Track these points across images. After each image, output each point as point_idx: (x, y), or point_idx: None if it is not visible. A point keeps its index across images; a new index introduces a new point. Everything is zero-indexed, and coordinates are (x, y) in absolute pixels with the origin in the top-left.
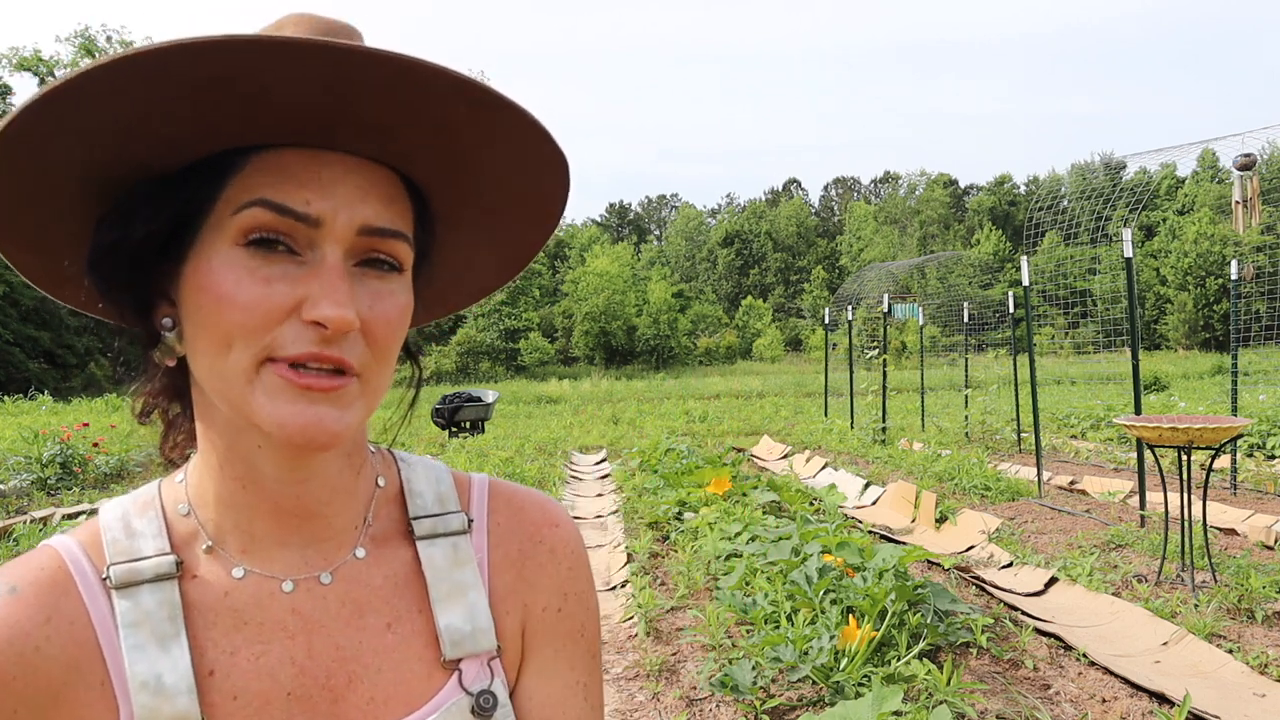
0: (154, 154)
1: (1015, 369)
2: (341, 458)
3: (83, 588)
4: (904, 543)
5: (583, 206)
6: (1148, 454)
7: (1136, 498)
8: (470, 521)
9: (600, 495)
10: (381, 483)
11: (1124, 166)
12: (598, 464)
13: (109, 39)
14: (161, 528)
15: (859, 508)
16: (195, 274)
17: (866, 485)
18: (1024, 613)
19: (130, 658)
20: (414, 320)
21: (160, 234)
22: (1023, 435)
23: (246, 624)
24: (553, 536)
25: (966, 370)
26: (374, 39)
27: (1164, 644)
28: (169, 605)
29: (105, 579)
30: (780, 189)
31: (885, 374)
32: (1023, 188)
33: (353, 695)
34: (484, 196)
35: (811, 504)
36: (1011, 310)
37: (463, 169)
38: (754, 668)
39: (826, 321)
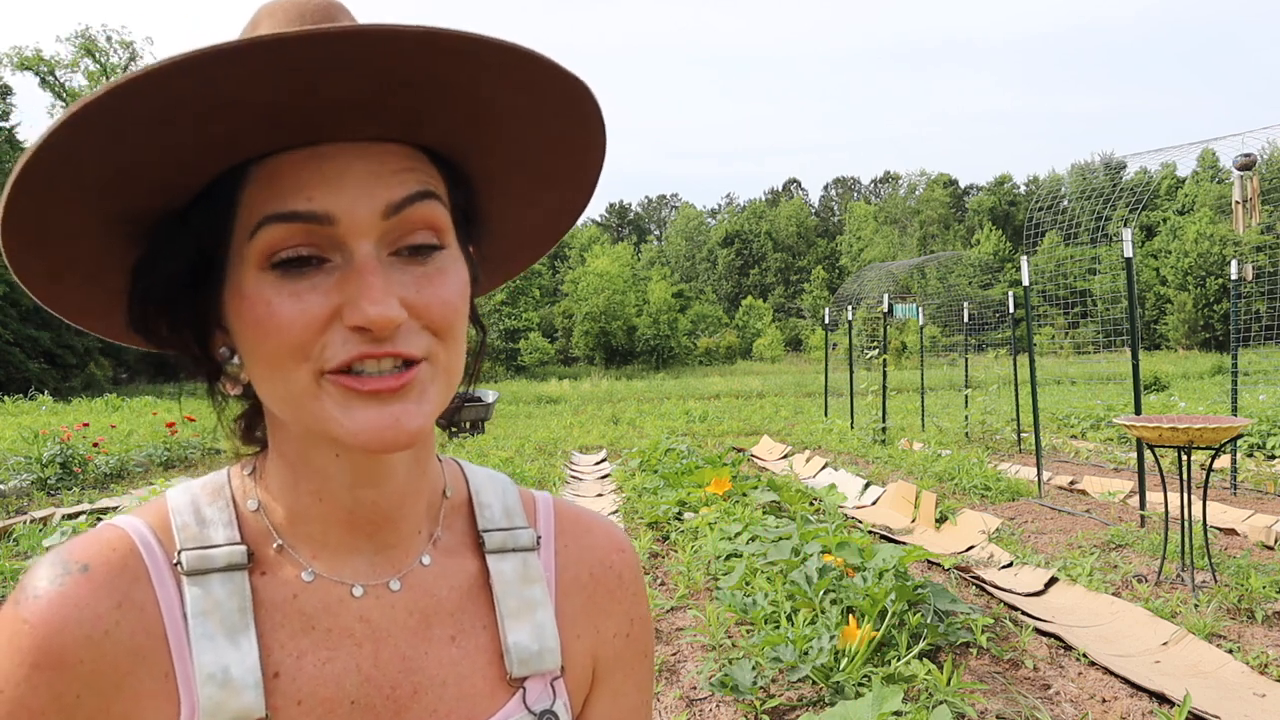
0: (149, 196)
1: (1015, 369)
2: (410, 458)
3: (153, 573)
4: (904, 543)
5: None
6: (1148, 454)
7: (1136, 498)
8: (538, 538)
9: (600, 495)
10: (449, 492)
11: (1124, 166)
12: (598, 464)
13: (109, 39)
14: (232, 518)
15: (859, 508)
16: (232, 302)
17: (866, 485)
18: (1024, 613)
19: (198, 647)
20: (483, 286)
21: (186, 270)
22: (1023, 435)
23: (314, 629)
24: (620, 562)
25: (966, 370)
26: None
27: (1164, 644)
28: (239, 596)
29: (176, 564)
30: (780, 189)
31: (885, 374)
32: (1023, 188)
33: (416, 707)
34: (509, 145)
35: (811, 504)
36: (1011, 310)
37: (474, 124)
38: (754, 668)
39: (826, 321)
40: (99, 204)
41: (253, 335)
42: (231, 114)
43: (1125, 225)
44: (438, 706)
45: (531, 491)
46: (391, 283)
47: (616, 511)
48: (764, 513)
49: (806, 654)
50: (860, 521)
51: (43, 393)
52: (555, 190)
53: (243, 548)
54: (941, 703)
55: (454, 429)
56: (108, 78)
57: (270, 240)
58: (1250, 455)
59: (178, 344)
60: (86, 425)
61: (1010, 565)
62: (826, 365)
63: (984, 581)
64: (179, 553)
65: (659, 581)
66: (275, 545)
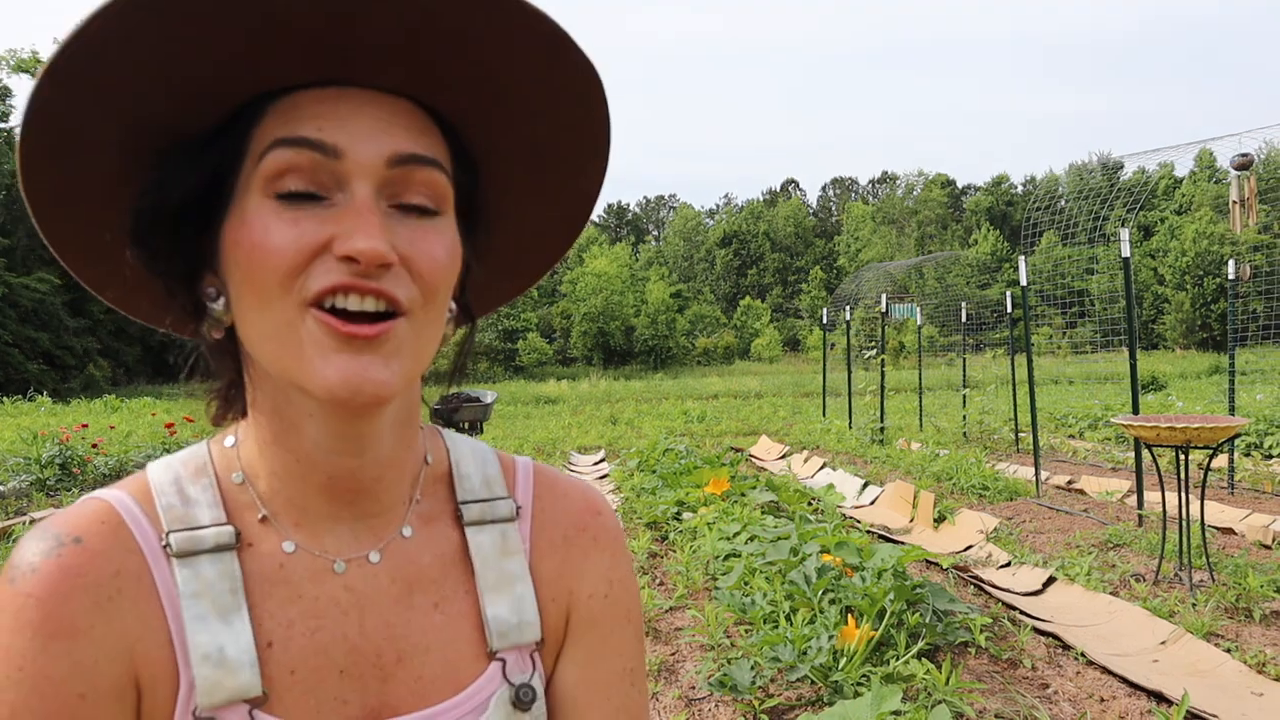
0: (175, 113)
1: (1013, 369)
2: (395, 430)
3: (145, 547)
4: (902, 542)
5: None
6: (1145, 453)
7: (1134, 497)
8: (518, 509)
9: None
10: (430, 459)
11: (1121, 166)
12: (596, 464)
13: None
14: (217, 496)
15: (857, 507)
16: (231, 230)
17: (865, 485)
18: (1022, 612)
19: (192, 628)
20: (487, 303)
21: (194, 196)
22: (1020, 435)
23: (301, 598)
24: (595, 524)
25: (964, 370)
26: None
27: (1162, 643)
28: (230, 577)
29: (165, 546)
30: (778, 189)
31: (883, 374)
32: (1020, 188)
33: (402, 674)
34: (517, 124)
35: (810, 504)
36: (1009, 310)
37: (489, 90)
38: (753, 667)
39: (824, 322)
40: (122, 111)
41: (246, 262)
42: (262, 34)
43: (1123, 225)
44: (422, 673)
45: (514, 458)
46: (388, 228)
47: (615, 512)
48: (762, 513)
49: (805, 654)
50: (858, 521)
51: (42, 394)
52: (557, 187)
53: (229, 528)
54: (940, 702)
55: (452, 429)
56: None
57: (276, 163)
58: (1248, 454)
59: (170, 273)
60: (85, 426)
61: (1008, 565)
62: (825, 365)
63: (982, 581)
64: (166, 534)
65: (658, 582)
66: (260, 516)
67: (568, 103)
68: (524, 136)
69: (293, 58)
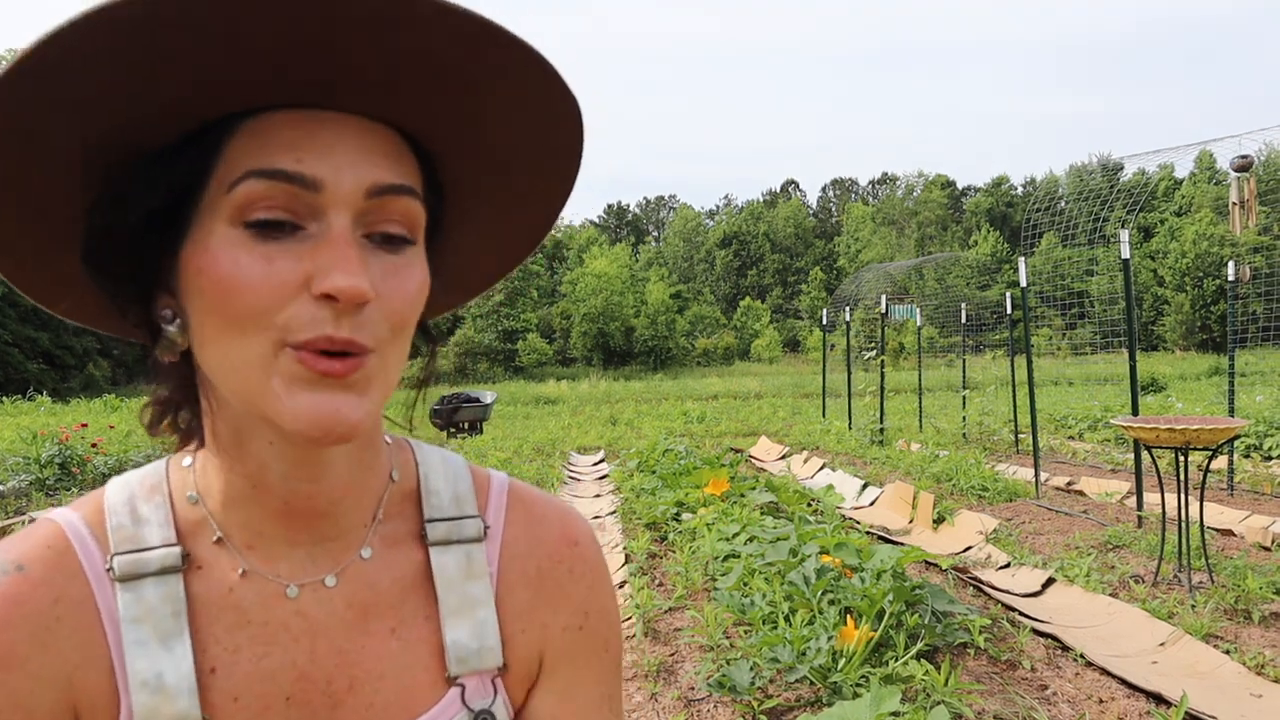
0: (140, 127)
1: (1013, 370)
2: (353, 454)
3: (89, 570)
4: (902, 543)
5: (580, 207)
6: (1145, 455)
7: (1134, 498)
8: (486, 528)
9: (598, 496)
10: (396, 476)
11: (1121, 168)
12: (596, 465)
13: None
14: (169, 515)
15: (857, 508)
16: (193, 258)
17: (864, 486)
18: (1021, 613)
19: (131, 654)
20: (432, 309)
21: (154, 215)
22: (1020, 436)
23: (250, 623)
24: (571, 555)
25: (964, 371)
26: None
27: (1161, 644)
28: (173, 601)
29: (109, 569)
30: (778, 190)
31: (883, 375)
32: (1020, 189)
33: (353, 701)
34: (494, 151)
35: (809, 505)
36: (1009, 311)
37: (471, 120)
38: (752, 668)
39: (824, 322)
40: (80, 123)
41: (213, 294)
42: (245, 59)
43: (1122, 226)
44: (374, 700)
45: (488, 473)
46: (366, 263)
47: (614, 512)
48: (762, 513)
49: (804, 654)
50: (858, 522)
51: (41, 393)
52: (518, 210)
53: (177, 549)
54: (939, 703)
55: (452, 430)
56: None
57: (250, 195)
58: (1247, 456)
59: (123, 295)
60: (85, 426)
61: (1008, 566)
62: (824, 366)
63: (981, 582)
64: (111, 557)
65: (657, 582)
66: (214, 538)
67: (547, 134)
68: (498, 164)
69: (277, 82)
